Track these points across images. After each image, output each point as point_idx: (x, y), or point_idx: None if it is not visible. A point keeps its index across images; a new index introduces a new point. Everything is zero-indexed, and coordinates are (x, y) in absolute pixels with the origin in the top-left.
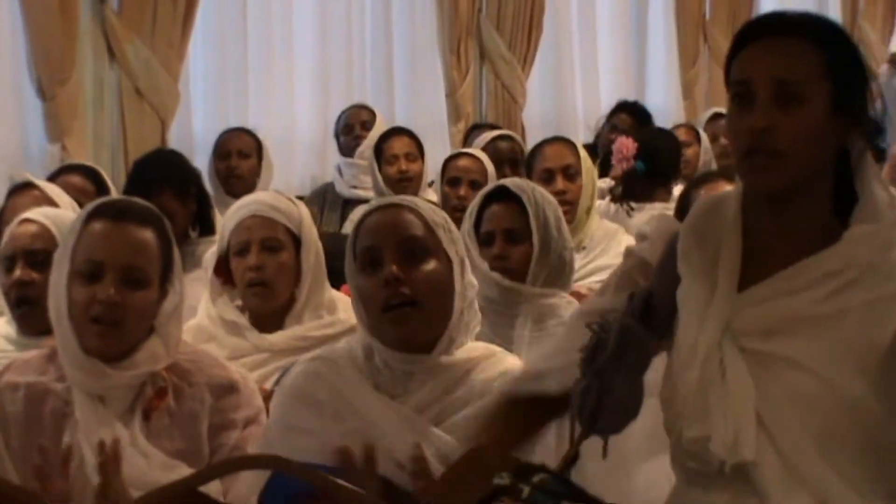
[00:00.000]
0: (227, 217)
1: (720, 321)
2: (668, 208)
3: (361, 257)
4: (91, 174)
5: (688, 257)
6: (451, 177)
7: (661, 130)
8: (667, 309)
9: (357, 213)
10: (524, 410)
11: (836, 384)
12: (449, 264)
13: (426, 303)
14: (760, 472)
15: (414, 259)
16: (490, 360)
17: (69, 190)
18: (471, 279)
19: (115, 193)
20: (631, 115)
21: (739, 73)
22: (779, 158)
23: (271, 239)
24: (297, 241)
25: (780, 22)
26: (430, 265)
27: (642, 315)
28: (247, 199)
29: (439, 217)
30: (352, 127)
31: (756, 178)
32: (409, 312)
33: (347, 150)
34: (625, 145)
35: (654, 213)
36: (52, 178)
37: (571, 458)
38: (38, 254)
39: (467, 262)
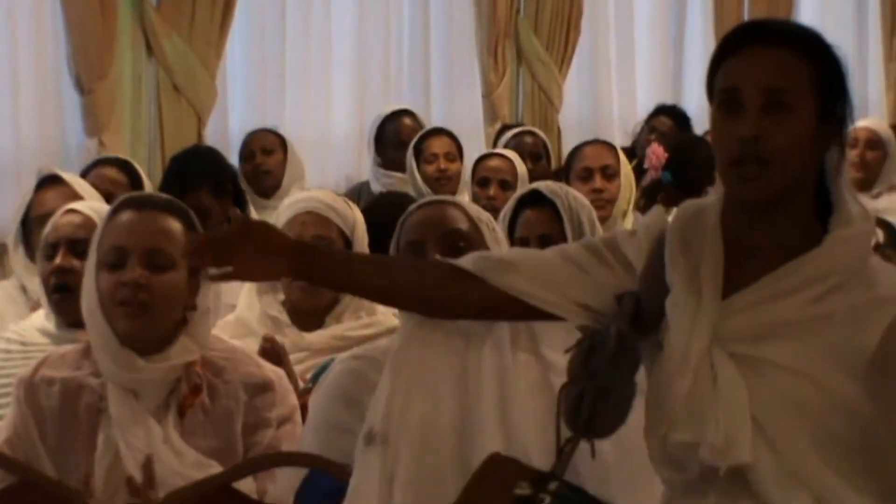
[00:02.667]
0: (283, 209)
1: (708, 328)
2: None
3: (406, 252)
4: (125, 167)
5: (675, 266)
6: (481, 177)
7: (697, 140)
8: (653, 313)
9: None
10: (460, 279)
11: (827, 386)
12: None
13: None
14: (757, 473)
15: (459, 252)
16: None
17: (103, 182)
18: None
19: (148, 186)
20: (671, 118)
21: (728, 81)
22: (767, 167)
23: (324, 237)
24: (347, 243)
25: (767, 31)
26: None
27: (632, 320)
28: (304, 196)
29: (484, 216)
30: (405, 144)
31: (744, 188)
32: None
33: (394, 165)
34: (655, 153)
35: None
36: (86, 171)
37: (566, 462)
38: (79, 243)
39: None
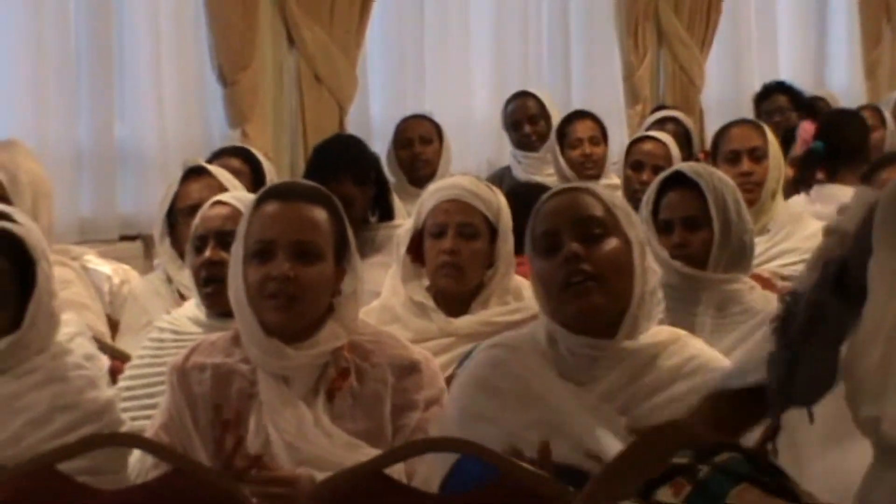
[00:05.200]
0: (426, 197)
1: None
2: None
3: (541, 241)
4: (246, 156)
5: (883, 227)
6: (634, 160)
7: (845, 111)
8: (862, 280)
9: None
10: (732, 406)
11: None
12: (629, 246)
13: (607, 279)
14: None
15: (593, 238)
16: (676, 344)
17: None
18: (652, 265)
19: (270, 173)
20: (784, 94)
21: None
22: None
23: (468, 225)
24: (492, 229)
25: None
26: (610, 244)
27: (836, 286)
28: (447, 182)
29: (618, 200)
30: (519, 123)
31: None
32: (590, 287)
33: (520, 145)
34: (805, 128)
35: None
36: (209, 163)
37: (773, 432)
38: (228, 235)
39: (647, 248)
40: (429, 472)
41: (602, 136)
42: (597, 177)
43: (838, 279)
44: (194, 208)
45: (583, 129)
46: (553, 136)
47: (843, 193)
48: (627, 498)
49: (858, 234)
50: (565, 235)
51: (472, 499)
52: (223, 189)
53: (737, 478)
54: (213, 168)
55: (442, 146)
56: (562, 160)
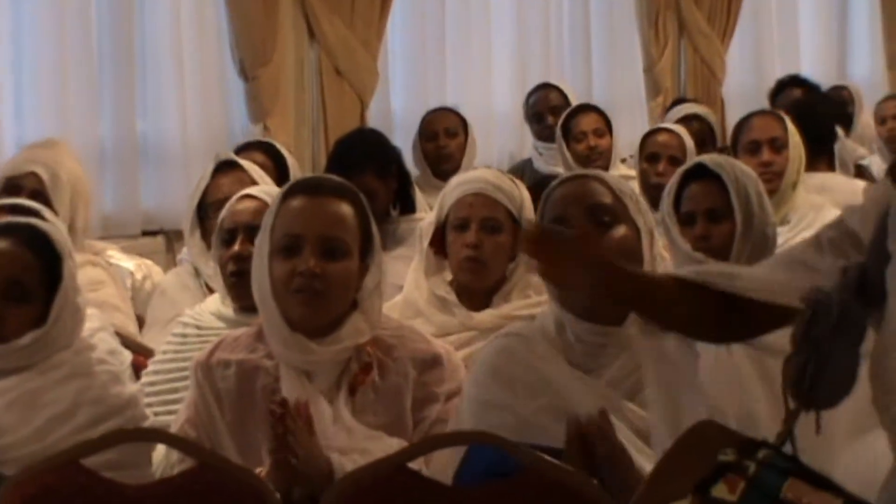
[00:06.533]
0: (449, 189)
1: None
2: (827, 178)
3: None
4: (270, 151)
5: None
6: (649, 153)
7: (818, 97)
8: (880, 284)
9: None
10: (692, 293)
11: None
12: (637, 233)
13: None
14: None
15: (602, 226)
16: None
17: None
18: (661, 251)
19: (294, 168)
20: (799, 87)
21: None
22: None
23: (492, 219)
24: (514, 222)
25: None
26: (620, 231)
27: (856, 290)
28: (470, 176)
29: (626, 187)
30: (541, 115)
31: None
32: None
33: (542, 136)
34: None
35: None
36: None
37: (788, 433)
38: (257, 229)
39: (656, 234)
40: (442, 463)
41: (607, 128)
42: (604, 168)
43: (859, 284)
44: (225, 202)
45: (587, 123)
46: (558, 131)
47: (813, 181)
48: (682, 497)
49: (874, 241)
50: (574, 223)
51: (495, 491)
52: (254, 183)
53: (783, 472)
54: (244, 162)
55: (467, 140)
56: (567, 154)
